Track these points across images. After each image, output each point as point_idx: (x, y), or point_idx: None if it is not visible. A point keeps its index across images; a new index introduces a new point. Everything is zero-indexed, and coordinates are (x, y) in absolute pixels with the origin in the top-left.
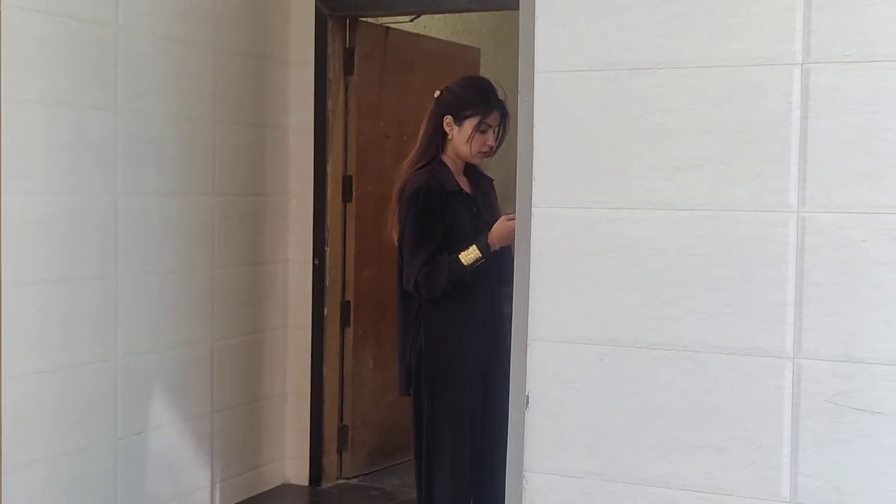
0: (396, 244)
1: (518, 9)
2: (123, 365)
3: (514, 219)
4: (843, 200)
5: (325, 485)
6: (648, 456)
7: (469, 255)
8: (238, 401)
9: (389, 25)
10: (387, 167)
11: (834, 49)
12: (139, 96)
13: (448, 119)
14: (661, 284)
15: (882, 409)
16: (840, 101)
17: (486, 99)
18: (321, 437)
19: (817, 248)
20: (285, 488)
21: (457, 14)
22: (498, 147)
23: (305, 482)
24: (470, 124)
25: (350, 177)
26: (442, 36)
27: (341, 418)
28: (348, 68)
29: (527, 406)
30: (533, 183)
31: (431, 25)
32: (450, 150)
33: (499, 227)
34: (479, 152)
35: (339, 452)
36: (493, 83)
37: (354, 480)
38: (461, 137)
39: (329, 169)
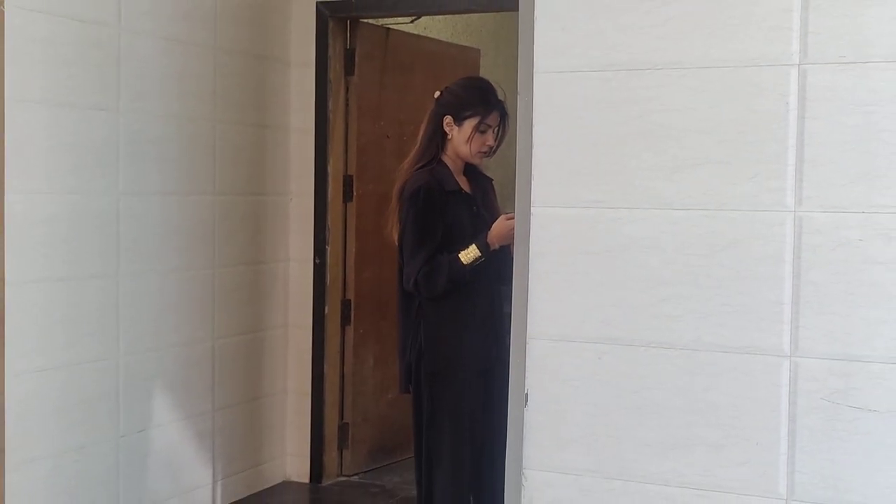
0: (396, 243)
1: (518, 10)
2: (125, 363)
3: (513, 218)
4: (840, 200)
5: (325, 482)
6: (647, 453)
7: (469, 254)
8: (239, 399)
9: (390, 26)
10: (387, 167)
11: (831, 50)
12: (141, 96)
13: (448, 119)
14: (660, 283)
15: (878, 407)
16: (837, 102)
17: (486, 99)
18: (322, 434)
19: (814, 248)
20: (286, 485)
21: (457, 15)
22: (497, 147)
23: (306, 479)
24: (470, 124)
25: (350, 176)
26: (442, 37)
27: (342, 416)
28: (349, 69)
29: (526, 404)
30: (532, 183)
31: (432, 26)
32: (450, 150)
33: (498, 227)
34: (479, 152)
35: (340, 450)
36: (492, 84)
37: (355, 478)
38: (461, 137)
39: (330, 169)
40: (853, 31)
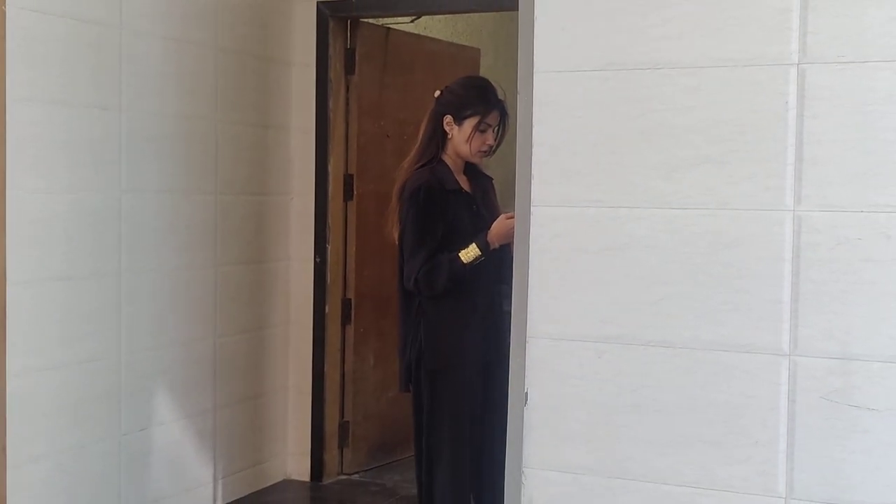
0: (397, 242)
1: (517, 10)
2: (126, 362)
3: (513, 217)
4: (839, 199)
5: (326, 480)
6: (646, 451)
7: (469, 253)
8: (240, 397)
9: (390, 26)
10: (387, 166)
11: (830, 50)
12: (142, 96)
13: (448, 118)
14: (659, 282)
15: (877, 405)
16: (836, 101)
17: (486, 99)
18: (322, 433)
19: (813, 246)
20: (287, 484)
21: (457, 15)
22: (497, 146)
23: (307, 478)
24: (470, 124)
25: (351, 176)
26: (442, 36)
27: (342, 414)
28: (349, 68)
29: (526, 402)
30: (532, 182)
31: (432, 26)
32: (450, 149)
33: (498, 226)
34: (479, 151)
35: (340, 448)
36: (492, 83)
37: (355, 476)
38: (461, 137)
39: (330, 168)
40: (852, 31)
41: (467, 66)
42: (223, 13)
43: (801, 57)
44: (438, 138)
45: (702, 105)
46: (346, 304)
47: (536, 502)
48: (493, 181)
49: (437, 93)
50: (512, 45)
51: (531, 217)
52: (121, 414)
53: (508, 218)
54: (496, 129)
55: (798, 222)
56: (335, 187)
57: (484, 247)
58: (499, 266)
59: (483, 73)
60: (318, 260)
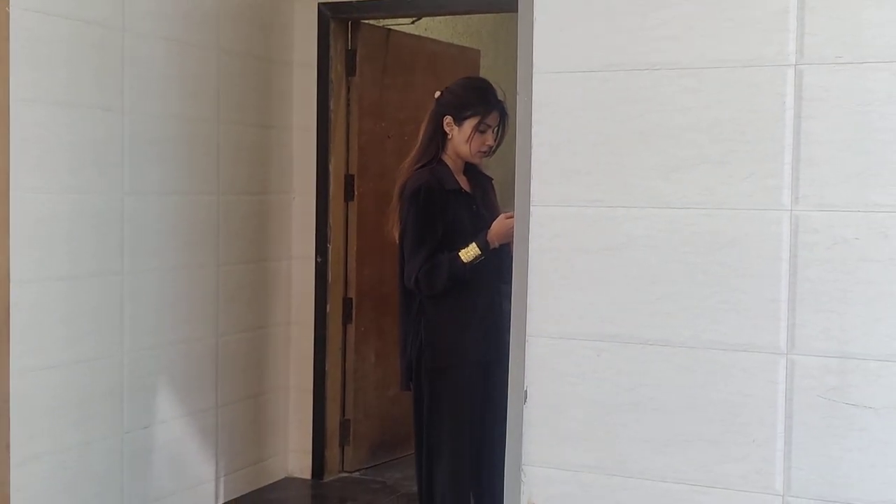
0: (397, 242)
1: (517, 11)
2: (129, 360)
3: (512, 217)
4: (836, 199)
5: (327, 478)
6: (645, 449)
7: (469, 252)
8: (242, 395)
9: (391, 27)
10: (388, 166)
11: (827, 50)
12: (144, 97)
13: (448, 119)
14: (658, 281)
15: (874, 404)
16: (833, 102)
17: (486, 99)
18: (324, 430)
19: (810, 246)
20: (288, 481)
21: (457, 16)
22: (497, 147)
23: (308, 475)
24: (469, 124)
25: (352, 176)
26: (442, 37)
27: (343, 412)
28: (350, 69)
29: (525, 400)
30: (531, 182)
31: (432, 27)
32: (450, 149)
33: (498, 225)
34: (479, 152)
35: (342, 446)
36: (492, 84)
37: (356, 474)
38: (461, 137)
39: (331, 168)
40: (849, 32)
41: (467, 66)
42: (225, 15)
43: (799, 58)
44: (438, 139)
45: (700, 106)
46: (347, 302)
47: (536, 500)
48: (493, 181)
49: (438, 93)
50: (511, 46)
51: (531, 217)
52: (123, 412)
53: (508, 217)
54: (496, 129)
55: (796, 222)
56: (336, 187)
57: (484, 246)
58: (499, 265)
59: (483, 73)
60: (319, 259)
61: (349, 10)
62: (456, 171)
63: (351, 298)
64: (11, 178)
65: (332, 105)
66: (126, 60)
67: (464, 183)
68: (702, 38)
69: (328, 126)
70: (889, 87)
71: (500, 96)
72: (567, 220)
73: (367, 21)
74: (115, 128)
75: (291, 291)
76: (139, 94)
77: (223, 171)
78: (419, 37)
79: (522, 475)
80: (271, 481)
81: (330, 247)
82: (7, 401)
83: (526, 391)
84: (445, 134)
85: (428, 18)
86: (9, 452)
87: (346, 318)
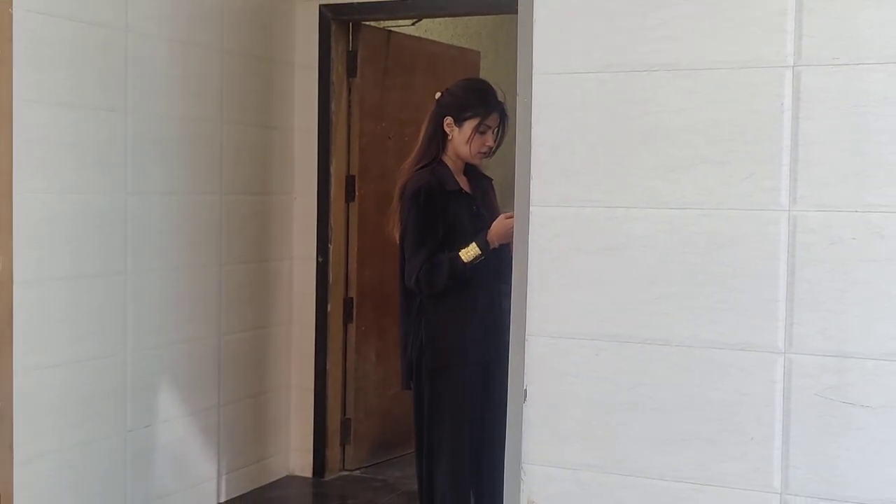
0: (398, 242)
1: (517, 12)
2: (132, 359)
3: (512, 217)
4: (833, 199)
5: (328, 476)
6: (644, 448)
7: (469, 252)
8: (244, 394)
9: (391, 29)
10: (389, 167)
11: (824, 52)
12: (147, 97)
13: (448, 120)
14: (656, 281)
15: (871, 402)
16: (830, 103)
17: (486, 101)
18: (325, 429)
19: (808, 246)
20: (290, 480)
21: (457, 18)
22: (497, 148)
23: (309, 474)
24: (470, 125)
25: (353, 176)
26: (442, 39)
27: (344, 411)
28: (351, 70)
29: (525, 399)
30: (531, 182)
31: (432, 29)
32: (450, 150)
33: (498, 226)
34: (479, 153)
35: (343, 445)
36: (492, 85)
37: (357, 472)
38: (461, 138)
39: (332, 169)
40: (846, 34)
41: (467, 68)
42: (228, 16)
43: (797, 59)
44: (439, 140)
45: (699, 107)
46: (347, 302)
47: (536, 498)
48: (493, 182)
49: (438, 95)
50: (511, 48)
51: (530, 217)
52: (126, 411)
53: (508, 217)
54: (496, 130)
55: (793, 222)
56: (337, 188)
57: (484, 246)
58: (498, 265)
59: (483, 75)
60: (320, 259)
61: (350, 11)
62: (456, 171)
63: (352, 298)
64: (15, 179)
65: (333, 106)
66: (129, 61)
67: (464, 183)
68: (700, 40)
69: (329, 127)
70: (886, 88)
71: (500, 97)
72: (566, 220)
73: (367, 23)
74: (118, 128)
75: (293, 291)
76: (142, 95)
77: (225, 171)
78: (419, 38)
79: (522, 474)
80: (273, 480)
81: (331, 247)
82: (11, 400)
83: (525, 390)
84: (446, 135)
85: (428, 20)
86: (12, 451)
87: (347, 317)
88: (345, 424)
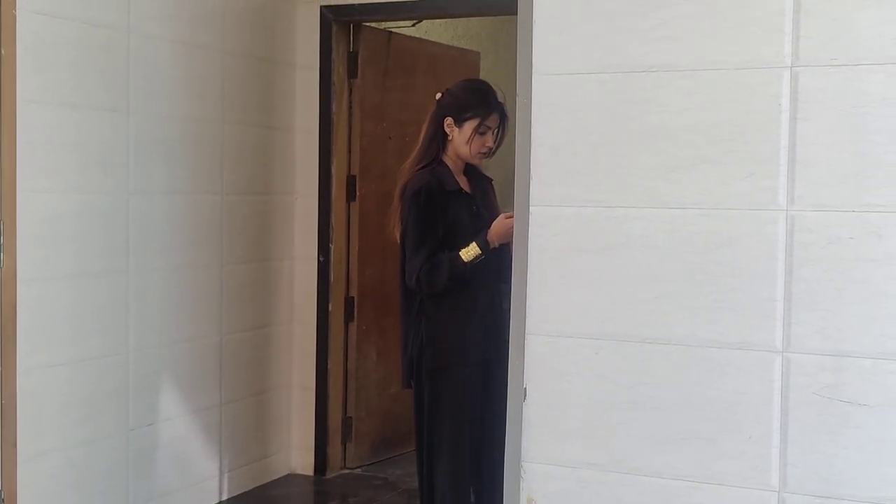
0: (399, 242)
1: (516, 14)
2: (134, 358)
3: (512, 217)
4: (831, 199)
5: (329, 474)
6: (642, 446)
7: (469, 251)
8: (245, 393)
9: (392, 30)
10: (389, 167)
11: (822, 53)
12: (150, 98)
13: (449, 121)
14: (655, 280)
15: (868, 401)
16: (828, 104)
17: (486, 101)
18: (326, 428)
19: (806, 245)
20: (291, 478)
21: (457, 19)
22: (497, 148)
23: (310, 472)
24: (470, 126)
25: (354, 176)
26: (443, 40)
27: (345, 410)
28: (352, 71)
29: (525, 398)
30: (531, 182)
31: (432, 30)
32: (450, 150)
33: (498, 225)
34: (479, 153)
35: (344, 443)
36: (492, 86)
37: (358, 470)
38: (461, 139)
39: (333, 169)
40: (844, 35)
41: (467, 68)
42: (230, 17)
43: (794, 60)
44: (439, 140)
45: (697, 107)
46: (348, 302)
47: (535, 496)
48: (493, 181)
49: (438, 95)
50: (511, 48)
51: (530, 216)
52: (128, 409)
53: (508, 217)
54: (496, 131)
55: (791, 222)
56: (338, 188)
57: (484, 246)
58: (498, 265)
59: (483, 75)
60: (321, 259)
61: (351, 12)
62: (456, 171)
63: (353, 297)
64: (18, 179)
65: (334, 107)
66: (131, 62)
67: (464, 183)
68: (700, 40)
69: (330, 127)
70: (883, 88)
71: (500, 98)
72: (566, 220)
73: (368, 24)
74: (120, 129)
75: (294, 290)
76: (144, 96)
77: (227, 171)
78: (420, 39)
79: (522, 472)
80: (274, 478)
81: (332, 247)
82: (14, 398)
83: (525, 389)
84: (446, 135)
85: (428, 21)
86: (15, 449)
87: (348, 316)
88: (346, 423)
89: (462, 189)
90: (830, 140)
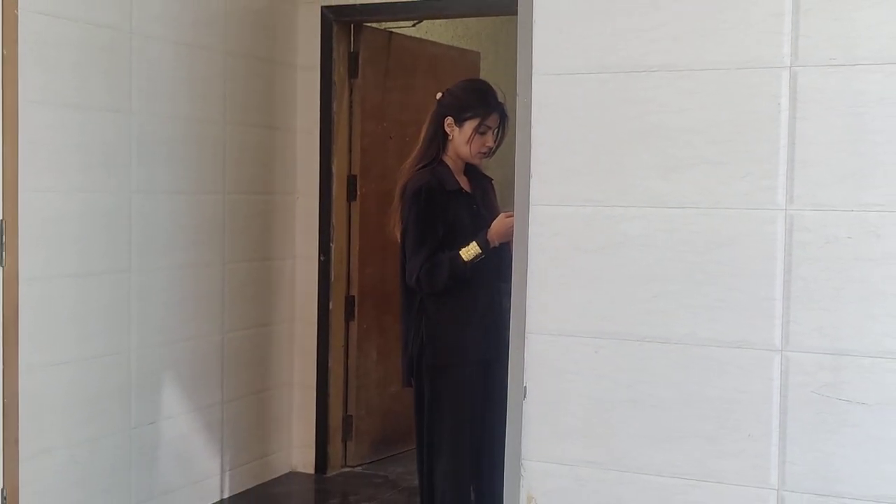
0: (399, 241)
1: (516, 14)
2: (136, 357)
3: (512, 216)
4: (830, 198)
5: (330, 473)
6: (642, 444)
7: (469, 251)
8: (247, 391)
9: (392, 30)
10: (390, 167)
11: (821, 52)
12: (152, 98)
13: (449, 120)
14: (655, 279)
15: (867, 399)
16: (826, 103)
17: (486, 101)
18: (327, 426)
19: (804, 245)
20: (292, 476)
21: (457, 19)
22: (497, 148)
23: (311, 470)
24: (470, 126)
25: (354, 176)
26: (443, 40)
27: (346, 408)
28: (353, 72)
29: (525, 397)
30: (531, 182)
31: (433, 30)
32: (450, 150)
33: (498, 225)
34: (479, 153)
35: (344, 441)
36: (492, 86)
37: (359, 468)
38: (461, 138)
39: (334, 168)
40: (842, 35)
41: (468, 69)
42: (231, 19)
43: (793, 60)
44: (439, 140)
45: (697, 107)
46: (349, 301)
47: (535, 494)
48: (493, 181)
49: (439, 95)
50: (511, 49)
51: (530, 216)
52: (131, 408)
53: (508, 217)
54: (496, 131)
55: (790, 221)
56: (339, 187)
57: (484, 245)
58: (499, 264)
59: (483, 75)
60: (322, 258)
61: (352, 13)
62: (456, 171)
63: (353, 297)
64: (21, 179)
65: (334, 107)
66: (134, 63)
67: (464, 183)
68: (698, 41)
69: (331, 127)
70: (881, 88)
71: (500, 98)
72: (566, 220)
73: (369, 24)
74: (123, 129)
75: (295, 289)
76: (147, 96)
77: (229, 171)
78: (420, 39)
79: (522, 470)
80: (275, 476)
81: (333, 246)
82: (16, 397)
83: (525, 387)
84: (446, 135)
85: (429, 21)
86: (18, 448)
87: (349, 315)
88: (346, 421)
89: (462, 189)
90: (829, 140)
